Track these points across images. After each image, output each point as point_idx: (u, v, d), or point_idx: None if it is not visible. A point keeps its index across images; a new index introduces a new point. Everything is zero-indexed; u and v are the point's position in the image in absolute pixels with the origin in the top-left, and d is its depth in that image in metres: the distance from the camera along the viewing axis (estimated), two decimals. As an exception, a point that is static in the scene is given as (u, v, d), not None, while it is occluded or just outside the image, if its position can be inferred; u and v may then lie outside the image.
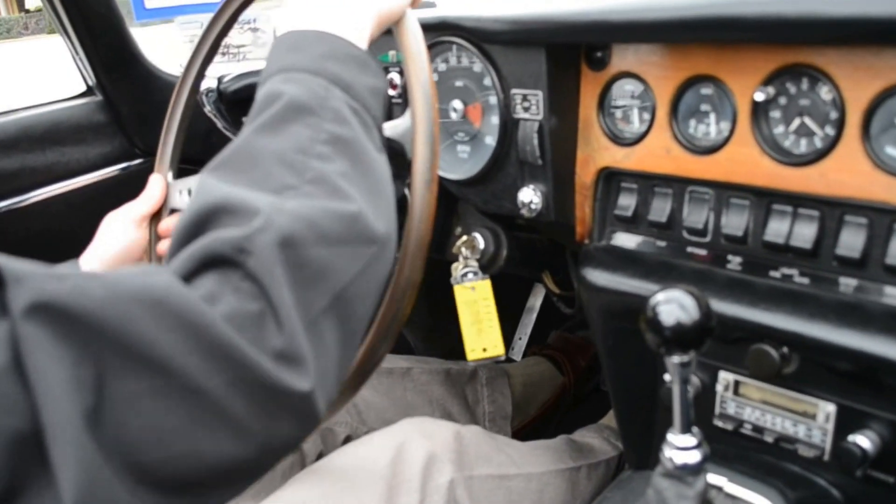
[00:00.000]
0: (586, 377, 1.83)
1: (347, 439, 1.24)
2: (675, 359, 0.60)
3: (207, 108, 1.36)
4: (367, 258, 0.59)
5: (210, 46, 0.99)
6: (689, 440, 0.64)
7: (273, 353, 0.51)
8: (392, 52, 1.17)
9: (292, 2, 0.75)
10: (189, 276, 0.52)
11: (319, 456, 1.18)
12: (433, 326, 1.69)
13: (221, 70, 1.32)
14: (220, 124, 1.38)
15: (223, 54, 1.26)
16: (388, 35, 0.82)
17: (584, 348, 1.83)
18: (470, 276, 1.19)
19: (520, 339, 2.06)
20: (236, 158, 0.60)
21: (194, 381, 0.48)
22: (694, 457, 0.64)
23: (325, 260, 0.55)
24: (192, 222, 0.55)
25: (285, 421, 0.53)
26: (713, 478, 0.81)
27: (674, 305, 0.58)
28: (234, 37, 1.26)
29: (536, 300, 2.07)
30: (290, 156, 0.58)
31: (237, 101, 1.10)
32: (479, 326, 1.18)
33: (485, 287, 1.19)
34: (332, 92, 0.64)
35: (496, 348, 1.19)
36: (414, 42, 0.79)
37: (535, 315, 2.06)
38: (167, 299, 0.48)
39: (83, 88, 1.46)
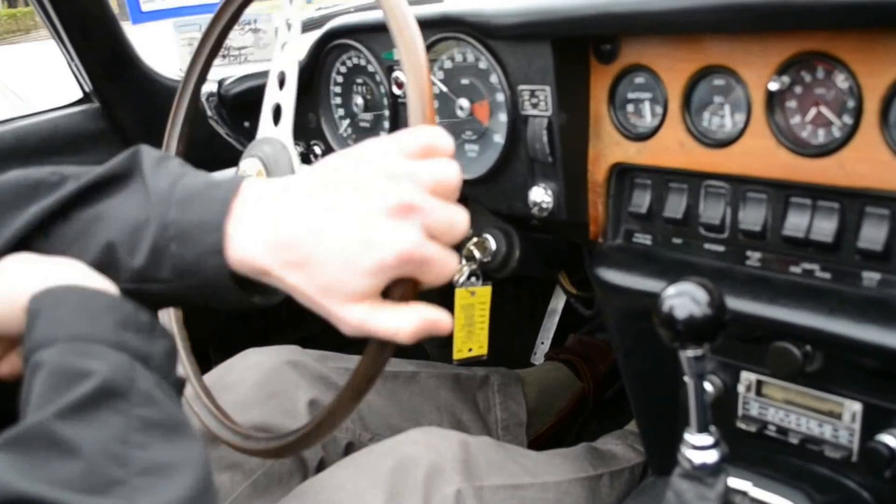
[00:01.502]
0: (607, 383, 1.79)
1: (349, 446, 1.21)
2: (689, 352, 0.59)
3: (210, 115, 1.36)
4: None
5: (210, 49, 0.98)
6: (707, 439, 0.62)
7: None
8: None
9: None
10: None
11: (320, 463, 1.15)
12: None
13: (222, 73, 1.31)
14: (223, 131, 1.38)
15: (223, 57, 1.26)
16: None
17: (604, 353, 1.79)
18: (473, 279, 1.18)
19: (542, 343, 2.02)
20: (44, 446, 0.53)
21: None
22: (712, 456, 0.62)
23: None
24: None
25: None
26: (737, 482, 0.79)
27: (686, 298, 0.57)
28: (234, 38, 1.26)
29: (559, 302, 2.02)
30: (111, 446, 0.54)
31: (238, 104, 1.09)
32: (471, 329, 1.20)
33: (485, 293, 1.19)
34: (137, 370, 0.60)
35: (481, 349, 1.24)
36: (412, 50, 0.77)
37: (557, 318, 2.02)
38: None
39: (80, 95, 1.45)
